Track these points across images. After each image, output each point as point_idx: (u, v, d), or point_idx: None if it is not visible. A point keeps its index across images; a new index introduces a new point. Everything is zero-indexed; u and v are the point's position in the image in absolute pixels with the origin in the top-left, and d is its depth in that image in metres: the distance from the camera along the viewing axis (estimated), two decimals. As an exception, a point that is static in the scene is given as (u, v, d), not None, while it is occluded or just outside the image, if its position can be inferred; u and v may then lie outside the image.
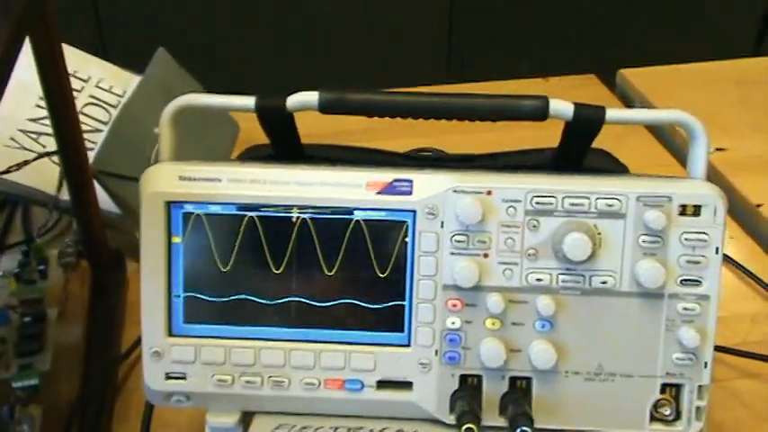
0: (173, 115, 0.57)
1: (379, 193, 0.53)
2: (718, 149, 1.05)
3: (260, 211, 0.54)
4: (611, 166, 0.64)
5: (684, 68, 1.28)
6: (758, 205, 0.95)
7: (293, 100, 0.56)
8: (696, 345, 0.52)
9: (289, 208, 0.54)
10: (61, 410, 0.67)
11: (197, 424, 0.65)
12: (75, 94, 0.98)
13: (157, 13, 1.81)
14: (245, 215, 0.54)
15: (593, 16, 2.01)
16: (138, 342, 0.77)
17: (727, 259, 0.82)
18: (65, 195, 0.88)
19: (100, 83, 1.02)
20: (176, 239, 0.54)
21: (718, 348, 0.64)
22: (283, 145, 0.60)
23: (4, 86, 0.51)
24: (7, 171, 0.85)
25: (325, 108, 0.56)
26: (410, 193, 0.53)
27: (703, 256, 0.52)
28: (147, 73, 1.01)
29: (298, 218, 0.54)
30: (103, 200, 0.83)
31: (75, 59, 1.02)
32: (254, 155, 0.63)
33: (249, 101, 0.56)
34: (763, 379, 0.73)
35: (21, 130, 0.92)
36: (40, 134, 0.92)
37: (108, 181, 0.85)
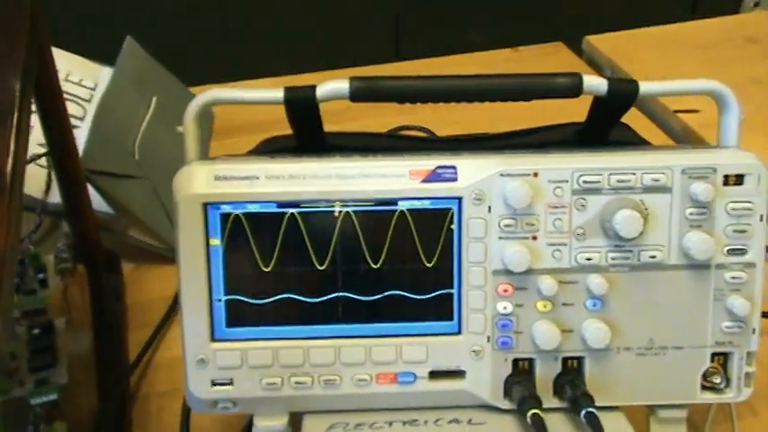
0: (198, 112, 0.54)
1: (423, 181, 0.52)
2: (691, 111, 1.06)
3: (301, 207, 0.52)
4: (635, 138, 0.64)
5: (648, 32, 1.30)
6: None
7: (323, 90, 0.54)
8: (746, 312, 0.53)
9: (331, 202, 0.52)
10: (84, 424, 0.64)
11: (233, 425, 0.63)
12: (44, 89, 0.94)
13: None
14: (286, 212, 0.52)
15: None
16: (146, 347, 0.75)
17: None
18: (52, 198, 0.85)
19: (69, 76, 0.97)
20: (215, 242, 0.52)
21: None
22: (308, 135, 0.58)
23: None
24: None
25: (356, 96, 0.54)
26: (455, 179, 0.52)
27: (749, 224, 0.53)
28: (119, 64, 0.97)
29: (340, 212, 0.52)
30: (94, 199, 0.80)
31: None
32: (274, 147, 0.61)
33: (278, 93, 0.54)
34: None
35: None
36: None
37: (99, 180, 0.81)
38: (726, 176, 0.53)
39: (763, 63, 1.18)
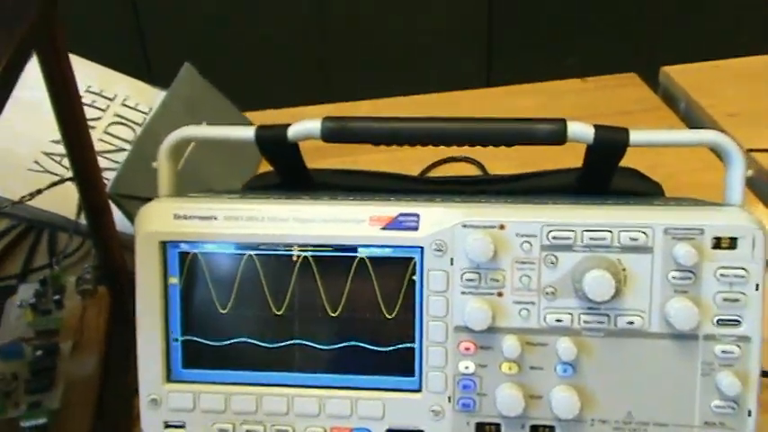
0: (171, 148, 0.54)
1: (383, 228, 0.50)
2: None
3: (259, 249, 0.51)
4: (641, 186, 0.59)
5: (729, 64, 1.21)
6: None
7: (294, 130, 0.53)
8: (737, 392, 0.47)
9: (289, 246, 0.51)
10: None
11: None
12: (99, 113, 0.97)
13: (198, 29, 1.79)
14: (244, 254, 0.51)
15: (636, 10, 1.93)
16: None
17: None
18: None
19: (126, 101, 1.00)
20: (173, 280, 0.52)
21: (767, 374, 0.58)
22: (288, 174, 0.57)
23: (4, 103, 0.49)
24: (28, 197, 0.84)
25: (328, 137, 0.53)
26: (416, 228, 0.50)
27: (742, 293, 0.47)
28: (172, 89, 1.00)
29: (298, 256, 0.51)
30: (122, 222, 0.81)
31: (103, 78, 1.01)
32: (260, 184, 0.60)
33: (249, 131, 0.53)
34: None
35: (45, 153, 0.91)
36: (63, 156, 0.91)
37: (127, 203, 0.83)
38: (717, 239, 0.47)
39: None
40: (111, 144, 0.95)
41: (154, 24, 1.80)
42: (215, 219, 0.51)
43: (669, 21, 1.94)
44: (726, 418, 0.48)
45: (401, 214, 0.50)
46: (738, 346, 0.48)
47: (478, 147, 0.52)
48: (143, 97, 1.02)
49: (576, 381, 0.49)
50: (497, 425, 0.50)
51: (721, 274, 0.47)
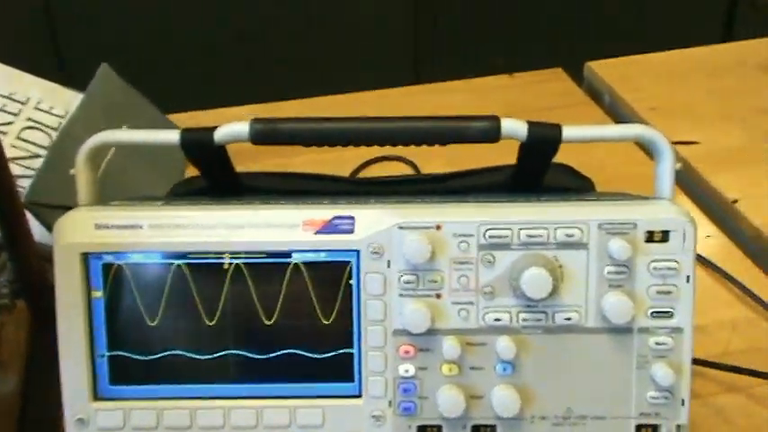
0: (89, 154, 0.51)
1: (317, 232, 0.49)
2: (690, 143, 1.01)
3: (187, 258, 0.49)
4: (573, 182, 0.59)
5: (652, 58, 1.23)
6: (734, 201, 0.91)
7: (221, 133, 0.51)
8: (671, 382, 0.48)
9: (219, 254, 0.49)
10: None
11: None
12: (11, 117, 0.92)
13: (113, 28, 1.74)
14: (172, 263, 0.49)
15: (560, 7, 1.96)
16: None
17: (702, 261, 0.78)
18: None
19: (39, 104, 0.96)
20: (96, 294, 0.49)
21: (697, 362, 0.59)
22: (216, 178, 0.55)
23: None
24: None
25: (256, 139, 0.51)
26: (352, 231, 0.48)
27: (674, 285, 0.48)
28: (89, 92, 0.96)
29: (230, 264, 0.49)
30: (41, 232, 0.78)
31: (13, 80, 0.96)
32: (186, 189, 0.58)
33: (173, 135, 0.51)
34: (747, 394, 0.68)
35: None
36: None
37: (44, 213, 0.79)
38: (649, 232, 0.48)
39: (774, 92, 1.11)
40: (25, 150, 0.90)
41: (67, 23, 1.74)
42: (140, 227, 0.49)
43: (593, 18, 1.98)
44: (661, 408, 0.49)
45: (336, 217, 0.49)
46: (671, 337, 0.48)
47: (411, 146, 0.51)
48: (58, 100, 0.98)
49: (516, 379, 0.49)
50: (439, 427, 0.50)
51: (654, 268, 0.48)
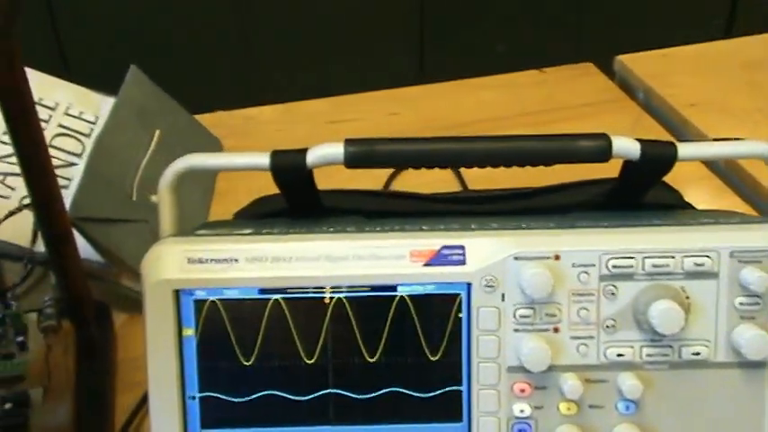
0: (176, 179, 0.48)
1: (426, 264, 0.45)
2: (733, 139, 0.98)
3: (286, 293, 0.46)
4: (667, 197, 0.56)
5: (686, 51, 1.20)
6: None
7: (314, 156, 0.47)
8: None
9: (320, 288, 0.45)
10: None
11: None
12: (43, 125, 0.88)
13: (122, 25, 1.68)
14: (270, 299, 0.46)
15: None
16: (135, 411, 0.69)
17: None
18: (40, 246, 0.79)
19: (69, 109, 0.91)
20: (188, 332, 0.46)
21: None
22: (301, 201, 0.51)
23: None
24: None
25: (352, 162, 0.47)
26: (463, 262, 0.45)
27: (811, 317, 0.45)
28: (121, 96, 0.91)
29: (331, 298, 0.46)
30: (83, 248, 0.74)
31: (40, 84, 0.92)
32: (263, 210, 0.55)
33: (263, 159, 0.47)
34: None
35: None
36: (6, 174, 0.82)
37: (88, 228, 0.76)
38: (784, 260, 0.45)
39: (813, 84, 1.08)
40: (58, 159, 0.86)
41: (70, 23, 1.68)
42: (236, 261, 0.45)
43: (591, 6, 1.94)
44: None
45: (445, 247, 0.45)
46: None
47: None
48: (87, 105, 0.93)
49: (639, 418, 0.46)
50: None
51: None
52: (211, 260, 0.45)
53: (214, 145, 0.97)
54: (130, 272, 0.78)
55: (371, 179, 0.78)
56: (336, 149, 0.47)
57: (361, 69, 1.16)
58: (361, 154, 0.47)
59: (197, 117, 1.01)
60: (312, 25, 1.80)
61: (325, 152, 0.47)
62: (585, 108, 1.09)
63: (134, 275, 0.78)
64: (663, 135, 1.01)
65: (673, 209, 0.55)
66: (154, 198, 0.48)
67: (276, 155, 0.47)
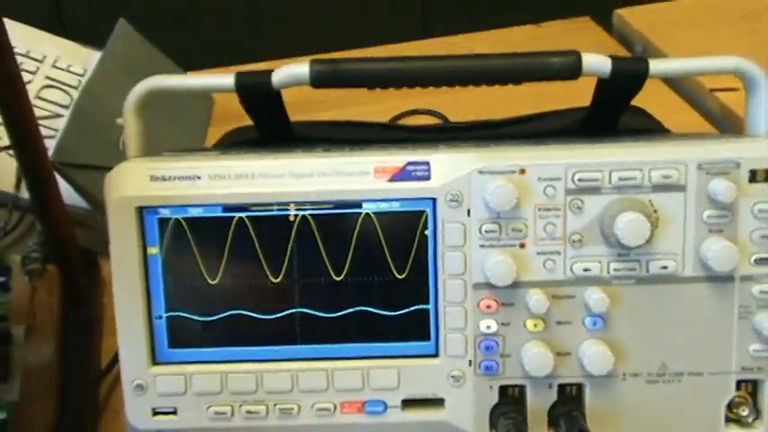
0: (139, 102, 0.47)
1: (390, 179, 0.45)
2: (731, 89, 0.97)
3: (250, 210, 0.45)
4: (647, 124, 0.55)
5: (684, 3, 1.19)
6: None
7: (280, 75, 0.47)
8: None
9: (284, 205, 0.45)
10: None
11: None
12: (29, 76, 0.88)
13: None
14: (234, 216, 0.45)
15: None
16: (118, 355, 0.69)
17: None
18: (25, 192, 0.79)
19: (56, 62, 0.91)
20: (153, 250, 0.46)
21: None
22: (269, 126, 0.51)
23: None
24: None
25: (317, 82, 0.47)
26: (428, 177, 0.45)
27: (780, 229, 0.44)
28: (108, 49, 0.91)
29: (296, 216, 0.45)
30: (68, 194, 0.74)
31: (27, 37, 0.92)
32: (236, 140, 0.55)
33: (228, 79, 0.47)
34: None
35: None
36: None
37: (72, 173, 0.76)
38: (753, 172, 0.44)
39: (816, 33, 1.07)
40: (45, 110, 0.86)
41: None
42: (198, 179, 0.45)
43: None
44: (764, 362, 0.45)
45: (410, 163, 0.45)
46: None
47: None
48: (75, 58, 0.93)
49: (607, 334, 0.45)
50: (522, 387, 0.46)
51: (759, 210, 0.44)
52: (174, 177, 0.45)
53: (203, 99, 0.97)
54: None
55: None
56: (302, 69, 0.47)
57: (362, 32, 1.16)
58: (326, 73, 0.47)
59: (193, 73, 1.00)
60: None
61: (290, 71, 0.47)
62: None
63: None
64: (661, 88, 1.00)
65: (649, 133, 0.54)
66: (119, 120, 0.48)
67: (241, 75, 0.47)
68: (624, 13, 1.17)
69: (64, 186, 0.72)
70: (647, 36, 1.11)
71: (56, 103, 0.88)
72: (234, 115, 0.90)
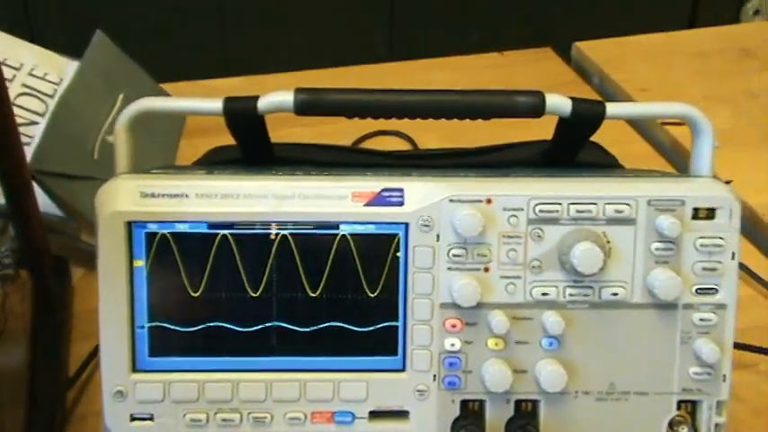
0: (130, 121, 0.50)
1: (367, 204, 0.48)
2: (679, 123, 1.02)
3: (234, 228, 0.48)
4: (602, 158, 0.60)
5: (640, 40, 1.25)
6: (728, 181, 0.92)
7: (265, 102, 0.50)
8: (714, 358, 0.48)
9: (266, 224, 0.48)
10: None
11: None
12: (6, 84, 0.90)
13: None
14: (218, 233, 0.48)
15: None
16: (88, 360, 0.71)
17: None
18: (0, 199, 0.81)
19: (33, 70, 0.93)
20: (139, 263, 0.48)
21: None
22: (252, 147, 0.54)
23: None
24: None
25: (301, 110, 0.50)
26: (401, 203, 0.48)
27: (719, 262, 0.49)
28: (86, 59, 0.93)
29: (276, 234, 0.48)
30: (42, 201, 0.76)
31: (4, 45, 0.93)
32: (217, 159, 0.57)
33: (216, 104, 0.50)
34: (756, 371, 0.70)
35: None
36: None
37: (48, 181, 0.77)
38: (695, 210, 0.48)
39: (759, 76, 1.13)
40: (20, 117, 0.87)
41: None
42: (186, 197, 0.48)
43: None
44: (703, 384, 0.50)
45: (385, 189, 0.48)
46: (715, 313, 0.49)
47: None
48: (51, 67, 0.95)
49: (561, 354, 0.49)
50: (482, 401, 0.50)
51: (701, 244, 0.48)
52: (163, 195, 0.47)
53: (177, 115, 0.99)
54: (90, 227, 0.80)
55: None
56: (286, 97, 0.50)
57: (330, 53, 1.19)
58: (309, 101, 0.50)
59: (162, 86, 1.03)
60: (284, 4, 1.81)
61: (275, 99, 0.50)
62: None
63: (93, 230, 0.80)
64: (616, 120, 1.05)
65: (605, 168, 0.58)
66: (110, 138, 0.50)
67: (229, 100, 0.50)
68: (583, 47, 1.22)
69: (38, 193, 0.74)
70: (603, 69, 1.16)
71: (32, 111, 0.89)
72: (202, 129, 0.93)
